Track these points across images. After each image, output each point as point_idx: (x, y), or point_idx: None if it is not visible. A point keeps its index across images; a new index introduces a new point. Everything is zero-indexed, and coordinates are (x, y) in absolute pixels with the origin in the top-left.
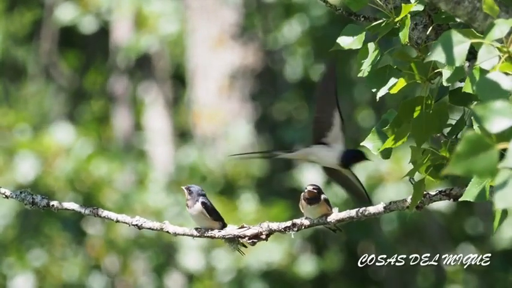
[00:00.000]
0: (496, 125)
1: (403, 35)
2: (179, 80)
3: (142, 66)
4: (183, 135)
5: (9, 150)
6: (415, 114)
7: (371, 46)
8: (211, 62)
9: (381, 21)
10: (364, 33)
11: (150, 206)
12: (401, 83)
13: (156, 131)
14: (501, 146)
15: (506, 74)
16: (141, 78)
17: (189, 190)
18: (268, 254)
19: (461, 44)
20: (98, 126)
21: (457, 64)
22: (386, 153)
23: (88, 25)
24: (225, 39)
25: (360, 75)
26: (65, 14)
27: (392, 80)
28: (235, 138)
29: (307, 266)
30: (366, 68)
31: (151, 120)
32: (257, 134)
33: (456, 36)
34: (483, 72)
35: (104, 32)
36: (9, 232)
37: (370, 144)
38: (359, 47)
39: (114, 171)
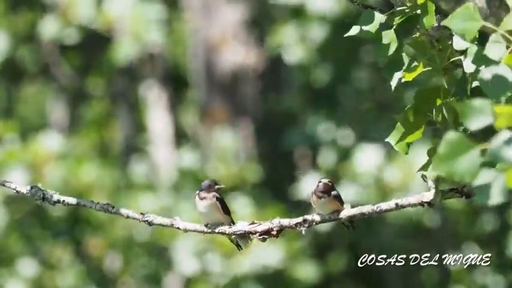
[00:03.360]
0: (475, 123)
1: (428, 20)
2: (181, 80)
3: (144, 66)
4: (185, 136)
5: None
6: (432, 104)
7: (388, 35)
8: (214, 62)
9: (399, 9)
10: (380, 20)
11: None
12: (417, 68)
13: (158, 132)
14: (482, 146)
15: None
16: (143, 78)
17: (209, 184)
18: (264, 257)
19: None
20: (99, 128)
21: (468, 38)
22: (404, 147)
23: (71, 38)
24: (227, 40)
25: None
26: (48, 28)
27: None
28: (226, 142)
29: (306, 270)
30: (383, 57)
31: (154, 121)
32: (258, 136)
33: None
34: (488, 62)
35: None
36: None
37: (393, 140)
38: (373, 31)
39: (104, 176)
